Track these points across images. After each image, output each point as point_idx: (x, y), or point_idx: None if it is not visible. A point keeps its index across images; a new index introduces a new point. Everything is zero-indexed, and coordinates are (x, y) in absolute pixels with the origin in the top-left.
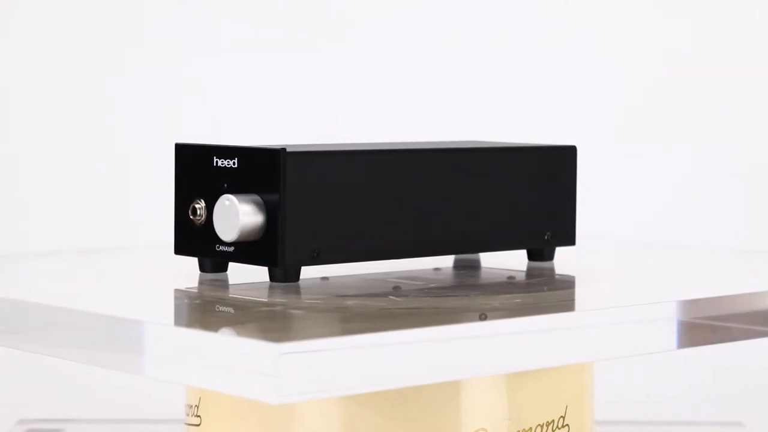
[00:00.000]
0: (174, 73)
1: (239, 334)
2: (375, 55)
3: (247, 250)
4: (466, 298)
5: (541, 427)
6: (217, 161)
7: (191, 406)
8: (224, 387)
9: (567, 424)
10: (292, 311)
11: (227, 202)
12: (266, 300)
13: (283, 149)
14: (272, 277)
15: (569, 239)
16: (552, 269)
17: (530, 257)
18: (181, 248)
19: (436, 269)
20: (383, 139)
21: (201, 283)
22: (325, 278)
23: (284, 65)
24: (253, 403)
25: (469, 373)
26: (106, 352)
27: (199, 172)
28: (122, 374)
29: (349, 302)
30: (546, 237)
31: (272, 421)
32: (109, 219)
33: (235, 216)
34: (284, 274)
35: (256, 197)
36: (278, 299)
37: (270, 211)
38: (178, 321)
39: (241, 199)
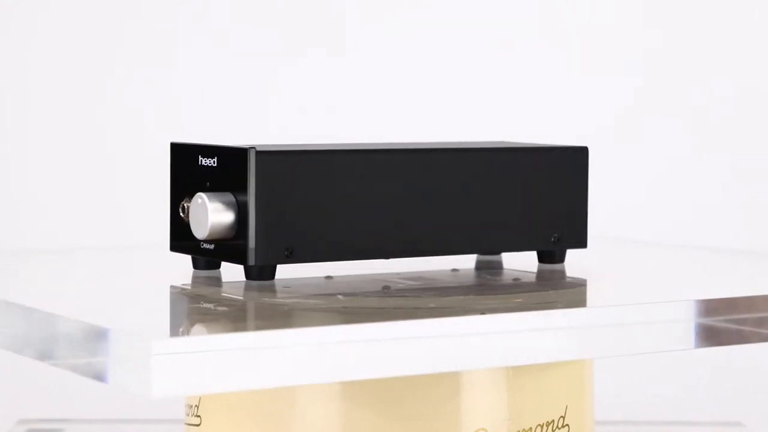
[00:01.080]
0: (172, 74)
1: (131, 330)
2: (379, 56)
3: (224, 247)
4: (414, 299)
5: (541, 427)
6: (201, 160)
7: (191, 406)
8: (109, 379)
9: (567, 424)
10: (220, 309)
11: (199, 200)
12: (213, 296)
13: (252, 148)
14: (247, 275)
15: (580, 242)
16: (562, 271)
17: (540, 259)
18: (174, 246)
19: (454, 270)
20: (389, 140)
21: (194, 279)
22: (329, 277)
23: (289, 65)
24: (252, 404)
25: (342, 378)
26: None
27: (188, 170)
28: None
29: (290, 300)
30: (553, 239)
31: (272, 421)
32: (111, 219)
33: (205, 214)
34: (258, 272)
35: (229, 196)
36: (232, 296)
37: (241, 209)
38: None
39: (212, 197)
